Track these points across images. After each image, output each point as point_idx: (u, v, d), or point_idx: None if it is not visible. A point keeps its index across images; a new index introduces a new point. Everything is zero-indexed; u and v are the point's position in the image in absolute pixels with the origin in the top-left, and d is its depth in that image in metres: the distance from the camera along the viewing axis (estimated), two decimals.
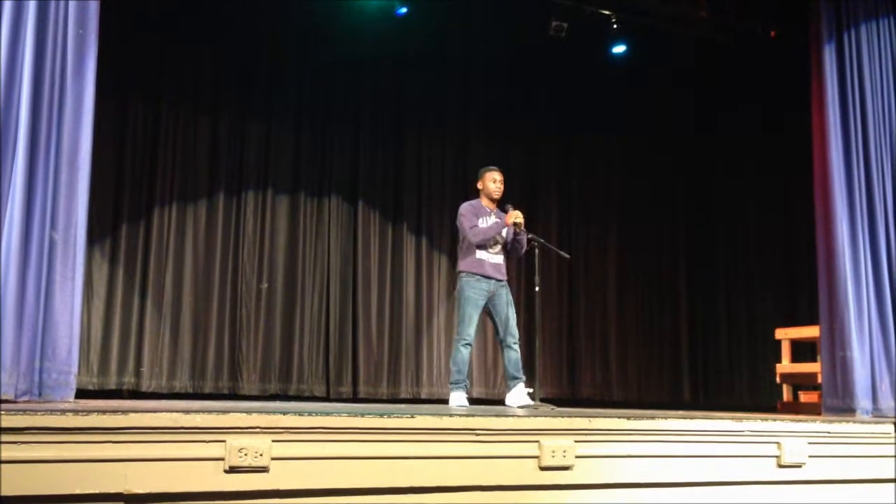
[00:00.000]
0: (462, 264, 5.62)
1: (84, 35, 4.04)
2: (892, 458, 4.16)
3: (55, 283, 3.77)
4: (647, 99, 9.74)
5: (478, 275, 5.54)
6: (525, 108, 9.44)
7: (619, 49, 8.76)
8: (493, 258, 5.60)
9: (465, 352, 5.51)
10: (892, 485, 4.10)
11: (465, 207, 5.72)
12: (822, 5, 5.80)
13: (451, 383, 5.57)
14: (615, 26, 8.17)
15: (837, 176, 5.52)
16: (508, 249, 5.72)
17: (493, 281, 5.56)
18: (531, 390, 5.52)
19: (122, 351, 7.49)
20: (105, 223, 7.49)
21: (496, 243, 5.63)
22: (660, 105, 9.83)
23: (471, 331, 5.52)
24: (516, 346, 5.55)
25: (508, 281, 5.71)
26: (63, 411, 2.77)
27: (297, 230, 8.35)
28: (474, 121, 9.24)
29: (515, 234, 5.62)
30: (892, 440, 4.22)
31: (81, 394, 4.31)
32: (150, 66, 7.86)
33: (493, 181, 5.74)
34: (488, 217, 5.68)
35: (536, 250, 5.66)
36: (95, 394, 7.06)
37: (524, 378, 5.55)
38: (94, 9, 4.11)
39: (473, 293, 5.53)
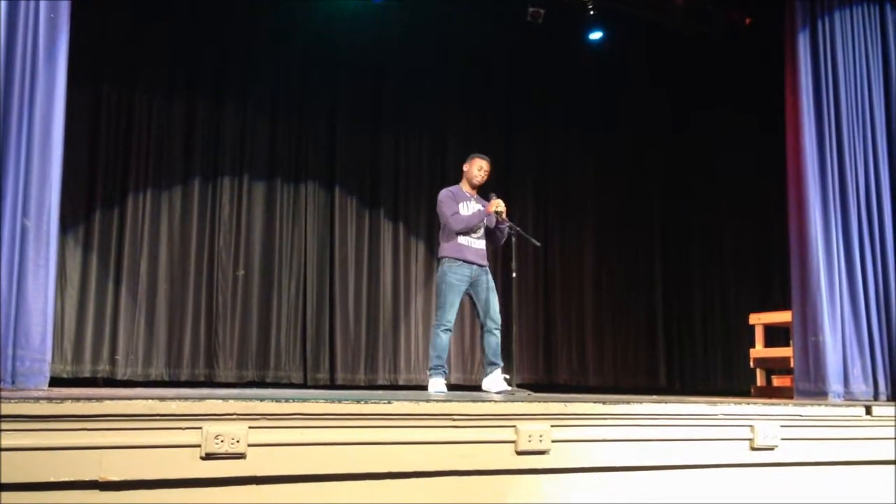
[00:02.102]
0: (443, 249, 5.62)
1: (56, 19, 3.99)
2: (862, 441, 4.22)
3: (28, 270, 3.74)
4: (623, 92, 9.82)
5: (459, 260, 5.55)
6: (502, 100, 9.46)
7: (596, 35, 8.77)
8: (475, 244, 5.62)
9: (444, 337, 5.52)
10: (863, 467, 4.17)
11: (443, 194, 5.71)
12: None
13: (431, 369, 5.59)
14: (591, 13, 8.17)
15: (811, 162, 5.57)
16: (490, 234, 5.73)
17: (474, 266, 5.58)
18: (507, 376, 5.55)
19: (97, 338, 7.42)
20: (78, 209, 7.41)
21: (479, 229, 5.64)
22: (636, 98, 9.89)
23: (451, 316, 5.52)
24: (497, 332, 5.57)
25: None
26: (37, 399, 2.75)
27: (273, 217, 8.31)
28: (451, 108, 9.23)
29: (497, 223, 5.63)
30: (862, 423, 4.28)
31: (55, 382, 4.28)
32: (124, 51, 7.75)
33: (479, 168, 5.74)
34: (468, 202, 5.69)
35: (514, 238, 5.68)
36: (70, 382, 7.00)
37: (501, 364, 5.59)
38: None
39: (455, 278, 5.53)
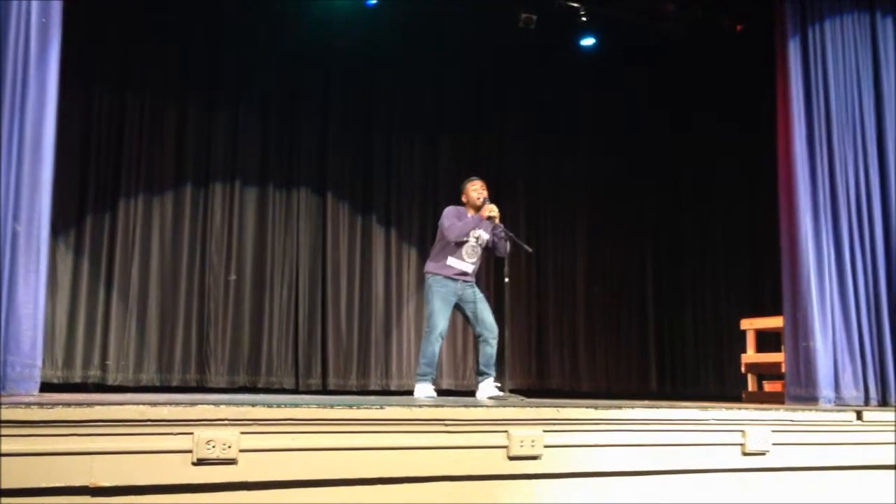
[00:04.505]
0: (428, 266, 5.71)
1: (47, 24, 3.98)
2: (853, 446, 4.23)
3: (18, 275, 3.72)
4: (616, 98, 9.83)
5: (442, 275, 5.59)
6: (494, 105, 9.49)
7: (588, 42, 8.81)
8: (462, 266, 5.63)
9: (436, 345, 5.54)
10: (853, 472, 4.18)
11: (449, 209, 5.77)
12: (787, 0, 5.87)
13: (419, 375, 5.59)
14: (583, 19, 8.20)
15: (801, 168, 5.59)
16: (492, 249, 5.74)
17: (459, 282, 5.60)
18: (499, 384, 5.55)
19: (88, 344, 7.40)
20: (70, 214, 7.39)
21: (474, 253, 5.65)
22: (629, 103, 9.91)
23: (440, 323, 5.55)
24: (493, 342, 5.58)
25: (477, 277, 5.76)
26: (28, 404, 2.74)
27: (265, 222, 8.30)
28: (443, 115, 9.25)
29: (494, 229, 5.64)
30: (853, 428, 4.30)
31: (46, 387, 4.26)
32: (116, 55, 7.76)
33: (474, 189, 5.78)
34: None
35: (508, 244, 5.70)
36: (60, 387, 6.98)
37: (493, 374, 5.59)
38: None
39: (441, 288, 5.59)
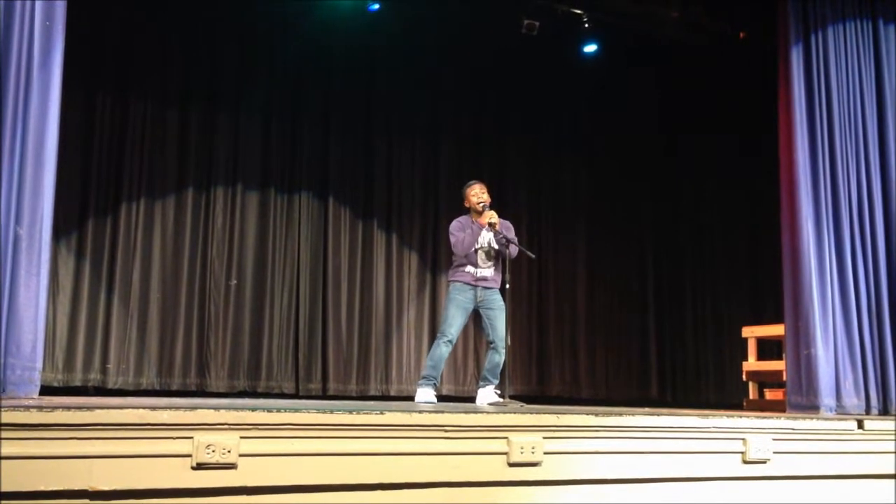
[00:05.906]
0: (450, 274, 5.80)
1: (51, 27, 3.99)
2: (854, 455, 4.22)
3: (20, 278, 3.72)
4: (616, 102, 9.83)
5: (462, 282, 5.65)
6: (495, 109, 9.48)
7: (591, 48, 8.82)
8: (481, 272, 5.67)
9: (444, 349, 5.59)
10: (854, 481, 4.17)
11: (452, 225, 5.81)
12: (790, 7, 5.88)
13: (422, 377, 5.61)
14: (586, 25, 8.21)
15: (803, 176, 5.59)
16: (502, 257, 5.74)
17: (479, 287, 5.62)
18: (499, 392, 5.56)
19: (88, 347, 7.39)
20: (71, 218, 7.39)
21: (489, 257, 5.67)
22: (629, 108, 9.91)
23: (453, 330, 5.59)
24: (501, 351, 5.60)
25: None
26: (27, 408, 2.74)
27: (266, 226, 8.29)
28: (445, 120, 9.24)
29: (495, 236, 5.65)
30: (854, 437, 4.29)
31: (46, 390, 4.26)
32: (118, 60, 7.75)
33: (474, 194, 5.79)
34: (475, 229, 5.71)
35: (514, 248, 5.70)
36: (60, 391, 6.98)
37: (495, 382, 5.60)
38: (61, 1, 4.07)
39: (459, 295, 5.64)
